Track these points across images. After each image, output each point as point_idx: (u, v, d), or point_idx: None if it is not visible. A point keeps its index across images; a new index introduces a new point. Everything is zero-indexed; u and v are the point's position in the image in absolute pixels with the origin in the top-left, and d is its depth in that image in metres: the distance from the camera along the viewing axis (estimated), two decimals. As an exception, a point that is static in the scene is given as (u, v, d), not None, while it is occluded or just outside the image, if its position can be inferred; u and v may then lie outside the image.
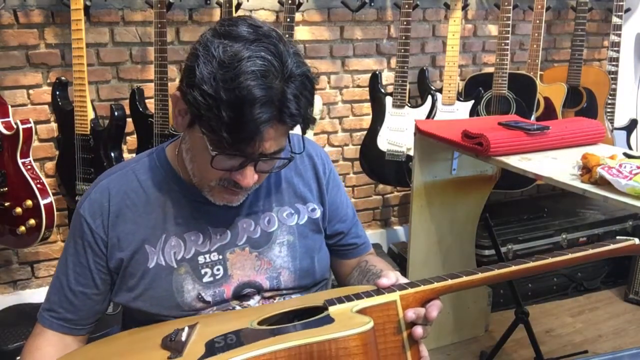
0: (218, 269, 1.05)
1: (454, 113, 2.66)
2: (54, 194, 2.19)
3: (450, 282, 0.89)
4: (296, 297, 1.06)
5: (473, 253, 2.46)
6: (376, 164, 2.70)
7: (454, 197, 2.29)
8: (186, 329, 0.89)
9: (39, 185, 2.11)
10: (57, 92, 2.23)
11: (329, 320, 0.84)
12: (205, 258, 1.05)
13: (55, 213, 2.14)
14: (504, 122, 1.95)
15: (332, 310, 0.87)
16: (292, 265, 1.09)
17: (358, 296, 0.89)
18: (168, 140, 1.15)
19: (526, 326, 2.14)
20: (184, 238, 1.05)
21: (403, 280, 0.96)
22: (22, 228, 2.10)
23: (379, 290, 0.91)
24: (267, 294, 1.08)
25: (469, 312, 2.49)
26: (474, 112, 2.67)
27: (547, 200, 3.22)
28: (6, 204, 2.10)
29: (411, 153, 2.33)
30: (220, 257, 1.06)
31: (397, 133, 2.62)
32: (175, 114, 0.98)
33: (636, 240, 1.01)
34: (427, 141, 2.09)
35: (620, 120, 3.19)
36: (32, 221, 2.10)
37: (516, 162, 1.70)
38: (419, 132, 2.11)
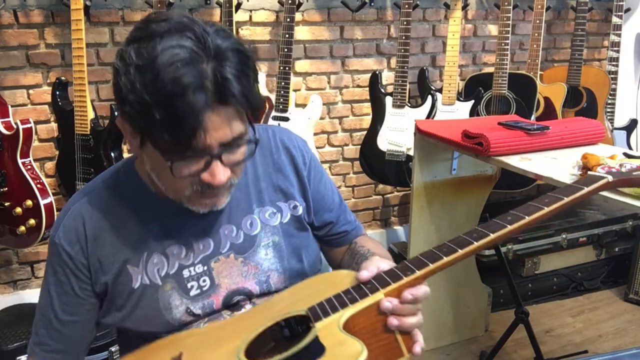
0: (204, 280, 1.02)
1: (454, 113, 2.67)
2: (54, 194, 2.19)
3: (432, 266, 0.88)
4: (279, 296, 1.00)
5: (473, 253, 2.46)
6: (376, 164, 2.70)
7: (454, 197, 2.29)
8: None
9: (39, 185, 2.11)
10: (57, 92, 2.23)
11: (319, 349, 0.81)
12: (190, 271, 1.01)
13: (55, 213, 2.14)
14: (504, 122, 1.95)
15: (319, 327, 0.84)
16: (281, 267, 1.06)
17: (342, 302, 0.86)
18: None
19: (526, 326, 2.13)
20: (166, 253, 1.01)
21: (384, 266, 0.92)
22: (22, 228, 2.10)
23: (361, 288, 0.88)
24: (258, 300, 1.05)
25: (469, 312, 2.49)
26: (474, 112, 2.67)
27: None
28: (6, 204, 2.10)
29: (411, 153, 2.33)
30: (205, 267, 1.02)
31: (397, 133, 2.62)
32: (128, 140, 0.92)
33: (610, 178, 1.00)
34: (427, 141, 2.09)
35: (620, 120, 3.19)
36: (32, 221, 2.10)
37: (516, 162, 1.70)
38: (419, 132, 2.11)
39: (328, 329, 0.83)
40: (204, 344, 0.92)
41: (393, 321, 0.84)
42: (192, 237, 1.02)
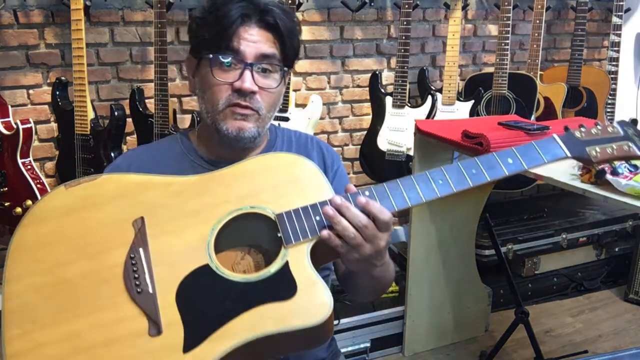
0: None
1: (454, 113, 2.67)
2: (54, 194, 2.19)
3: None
4: (246, 171, 1.02)
5: (473, 253, 2.46)
6: (376, 164, 2.70)
7: (454, 197, 2.26)
8: (143, 258, 0.91)
9: (39, 185, 2.11)
10: (57, 92, 2.23)
11: (290, 284, 0.89)
12: None
13: (55, 213, 2.14)
14: (504, 122, 1.95)
15: (290, 251, 0.91)
16: None
17: (312, 228, 0.93)
18: None
19: (526, 326, 2.14)
20: None
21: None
22: (22, 228, 2.10)
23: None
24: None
25: (469, 312, 2.49)
26: (474, 112, 2.67)
27: (547, 200, 3.22)
28: (6, 204, 2.10)
29: (411, 153, 2.33)
30: None
31: (397, 133, 2.62)
32: (190, 79, 1.14)
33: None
34: (427, 141, 2.09)
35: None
36: (32, 221, 2.09)
37: (516, 162, 1.70)
38: (419, 132, 2.11)
39: (297, 255, 0.92)
40: (171, 217, 0.95)
41: (328, 211, 0.91)
42: None
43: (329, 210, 0.91)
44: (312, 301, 0.89)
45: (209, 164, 1.13)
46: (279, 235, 0.93)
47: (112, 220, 0.94)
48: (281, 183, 0.98)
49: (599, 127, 1.08)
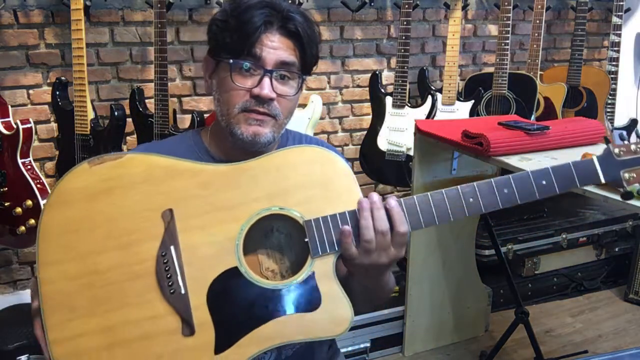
0: None
1: (454, 113, 2.67)
2: (54, 194, 2.19)
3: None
4: (273, 165, 0.99)
5: (473, 253, 2.46)
6: (376, 164, 2.70)
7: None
8: (174, 256, 0.92)
9: (39, 185, 2.11)
10: (57, 92, 2.23)
11: (314, 295, 0.93)
12: None
13: (55, 213, 2.13)
14: (504, 122, 1.95)
15: (316, 264, 0.94)
16: None
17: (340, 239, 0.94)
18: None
19: (526, 326, 2.14)
20: None
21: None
22: (22, 228, 2.10)
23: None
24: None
25: (469, 312, 2.49)
26: (474, 112, 2.67)
27: (547, 200, 3.22)
28: (6, 204, 2.10)
29: (411, 153, 2.33)
30: None
31: (397, 133, 2.62)
32: (206, 80, 1.13)
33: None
34: (427, 141, 2.09)
35: (620, 120, 3.19)
36: (32, 221, 2.09)
37: (516, 162, 1.70)
38: (419, 132, 2.11)
39: (323, 267, 0.95)
40: (199, 211, 0.95)
41: (363, 204, 0.96)
42: None
43: (364, 203, 0.95)
44: (335, 315, 0.93)
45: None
46: (305, 240, 0.94)
47: (140, 208, 0.93)
48: (312, 182, 0.97)
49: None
